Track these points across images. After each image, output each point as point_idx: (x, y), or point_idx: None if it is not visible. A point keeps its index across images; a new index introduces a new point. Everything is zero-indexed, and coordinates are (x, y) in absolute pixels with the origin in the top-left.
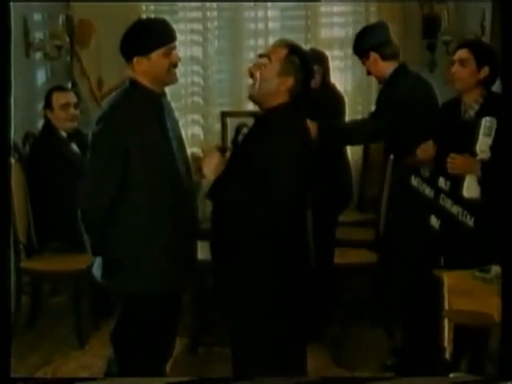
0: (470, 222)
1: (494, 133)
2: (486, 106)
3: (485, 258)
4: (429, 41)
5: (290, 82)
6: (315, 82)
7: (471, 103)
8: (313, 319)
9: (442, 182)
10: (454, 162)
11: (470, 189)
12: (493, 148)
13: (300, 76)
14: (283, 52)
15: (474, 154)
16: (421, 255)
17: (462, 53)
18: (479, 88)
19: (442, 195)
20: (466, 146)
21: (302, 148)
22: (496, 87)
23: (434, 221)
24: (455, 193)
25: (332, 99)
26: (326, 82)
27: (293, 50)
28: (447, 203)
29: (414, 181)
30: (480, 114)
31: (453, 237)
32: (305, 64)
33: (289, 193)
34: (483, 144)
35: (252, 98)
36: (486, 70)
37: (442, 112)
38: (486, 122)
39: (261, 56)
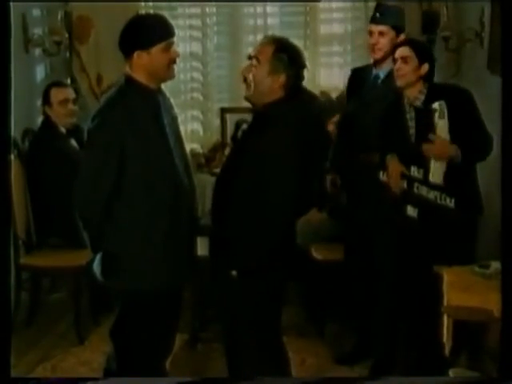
0: (450, 203)
1: (447, 116)
2: (431, 94)
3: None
4: (428, 36)
5: (281, 78)
6: None
7: (416, 95)
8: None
9: (414, 170)
10: (431, 147)
11: (436, 175)
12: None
13: (291, 71)
14: (270, 50)
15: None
16: (405, 248)
17: (404, 50)
18: (420, 82)
19: (416, 184)
20: (423, 133)
21: (299, 143)
22: None
23: (411, 210)
24: (429, 179)
25: None
26: None
27: (279, 46)
28: (423, 191)
29: (383, 176)
30: (427, 102)
31: (434, 222)
32: (294, 58)
33: (288, 189)
34: (441, 127)
35: (248, 100)
36: (426, 67)
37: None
38: (440, 106)
39: (250, 58)
